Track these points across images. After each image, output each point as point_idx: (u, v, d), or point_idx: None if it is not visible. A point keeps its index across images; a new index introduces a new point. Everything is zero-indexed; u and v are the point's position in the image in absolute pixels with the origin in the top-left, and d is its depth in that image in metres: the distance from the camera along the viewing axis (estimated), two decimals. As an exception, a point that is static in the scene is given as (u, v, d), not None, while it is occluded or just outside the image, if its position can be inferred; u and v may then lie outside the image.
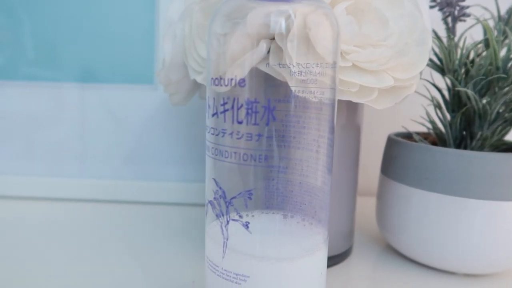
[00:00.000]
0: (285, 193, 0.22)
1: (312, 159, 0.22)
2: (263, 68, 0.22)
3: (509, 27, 0.31)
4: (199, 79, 0.29)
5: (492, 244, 0.30)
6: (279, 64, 0.23)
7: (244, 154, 0.19)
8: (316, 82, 0.22)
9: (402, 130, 0.40)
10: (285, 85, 0.21)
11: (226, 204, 0.20)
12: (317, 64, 0.22)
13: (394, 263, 0.34)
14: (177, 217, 0.43)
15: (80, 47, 0.46)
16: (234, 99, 0.19)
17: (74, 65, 0.47)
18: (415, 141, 0.35)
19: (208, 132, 0.21)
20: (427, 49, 0.28)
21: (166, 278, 0.30)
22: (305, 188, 0.22)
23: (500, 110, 0.31)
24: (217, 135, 0.20)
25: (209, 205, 0.22)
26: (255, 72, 0.20)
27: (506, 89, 0.30)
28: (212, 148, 0.21)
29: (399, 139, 0.35)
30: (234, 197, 0.20)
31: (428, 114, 0.35)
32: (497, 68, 0.29)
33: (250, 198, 0.20)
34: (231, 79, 0.20)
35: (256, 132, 0.19)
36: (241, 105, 0.19)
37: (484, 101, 0.31)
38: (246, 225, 0.20)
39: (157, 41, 0.46)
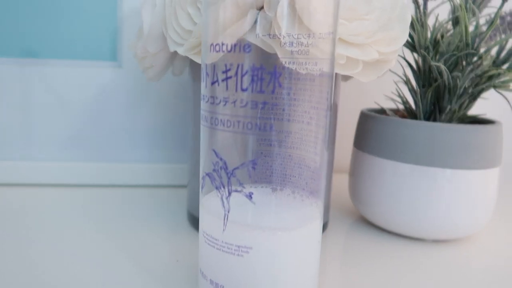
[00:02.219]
0: (274, 166, 0.22)
1: (303, 131, 0.22)
2: (252, 39, 0.22)
3: (476, 5, 0.33)
4: (181, 50, 0.28)
5: (458, 211, 0.32)
6: (269, 34, 0.22)
7: (248, 122, 0.19)
8: (308, 53, 0.22)
9: (370, 106, 0.41)
10: (276, 56, 0.21)
11: (227, 175, 0.20)
12: (309, 35, 0.22)
13: (368, 233, 0.36)
14: (147, 199, 0.42)
15: (29, 19, 0.42)
16: (238, 66, 0.19)
17: (26, 39, 0.43)
18: (388, 115, 0.36)
19: (207, 102, 0.20)
20: (407, 25, 0.29)
21: (148, 260, 0.29)
22: (295, 161, 0.22)
23: (466, 86, 0.33)
24: (217, 104, 0.19)
25: (206, 177, 0.21)
26: (257, 39, 0.19)
27: (473, 65, 0.32)
28: (211, 118, 0.20)
29: (373, 113, 0.36)
30: (236, 168, 0.19)
31: (399, 89, 0.37)
32: (467, 45, 0.31)
33: (254, 168, 0.19)
34: (235, 45, 0.19)
35: (262, 99, 0.18)
36: (246, 72, 0.18)
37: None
38: (250, 196, 0.20)
39: (120, 14, 0.43)
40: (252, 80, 0.18)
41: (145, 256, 0.29)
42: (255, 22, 0.22)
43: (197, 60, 0.27)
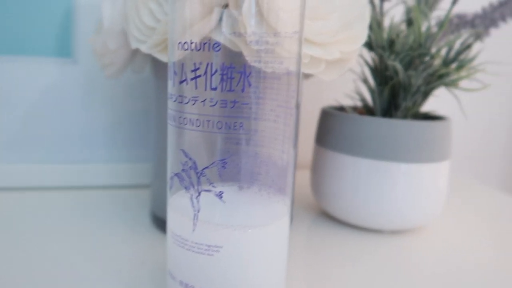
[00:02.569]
0: (241, 164, 0.22)
1: (270, 129, 0.22)
2: (218, 37, 0.22)
3: (428, 7, 0.35)
4: (144, 48, 0.27)
5: (413, 203, 0.34)
6: (234, 33, 0.22)
7: (218, 122, 0.19)
8: (274, 52, 0.22)
9: (328, 104, 0.42)
10: (241, 54, 0.21)
11: (197, 175, 0.20)
12: (274, 34, 0.22)
13: (329, 227, 0.37)
14: (106, 200, 0.40)
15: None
16: (207, 65, 0.18)
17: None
18: (347, 112, 0.37)
19: (174, 101, 0.20)
20: (366, 24, 0.30)
21: (113, 263, 0.28)
22: (261, 158, 0.23)
23: (419, 84, 0.34)
24: (186, 103, 0.19)
25: (175, 178, 0.21)
26: (226, 37, 0.19)
27: (426, 64, 0.33)
28: (180, 117, 0.20)
29: (333, 111, 0.37)
30: (206, 167, 0.19)
31: (357, 87, 0.38)
32: (420, 45, 0.33)
33: (224, 167, 0.19)
34: (204, 43, 0.19)
35: (232, 99, 0.19)
36: (216, 71, 0.18)
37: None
38: (220, 195, 0.20)
39: (75, 8, 0.41)
40: (222, 79, 0.18)
41: (109, 260, 0.28)
42: (221, 20, 0.22)
43: (162, 58, 0.27)
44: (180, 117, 0.20)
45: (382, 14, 0.35)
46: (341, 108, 0.40)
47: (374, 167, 0.34)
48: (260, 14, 0.21)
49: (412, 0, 0.36)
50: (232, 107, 0.19)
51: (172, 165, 0.21)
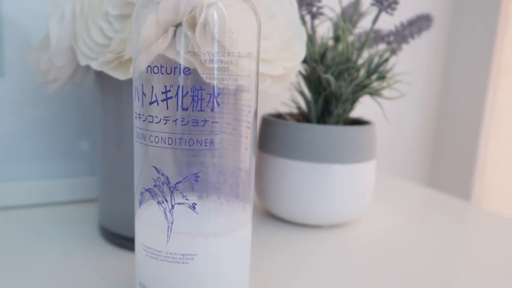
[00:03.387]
0: (200, 175, 0.24)
1: (228, 141, 0.24)
2: (173, 56, 0.23)
3: (351, 24, 0.39)
4: (95, 64, 0.27)
5: (347, 199, 0.38)
6: (190, 52, 0.24)
7: (190, 139, 0.20)
8: (228, 70, 0.24)
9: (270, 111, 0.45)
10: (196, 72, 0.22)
11: (170, 189, 0.21)
12: (228, 53, 0.24)
13: (273, 225, 0.40)
14: (49, 218, 0.39)
15: None
16: (178, 87, 0.20)
17: None
18: (286, 120, 0.40)
19: (144, 120, 0.21)
20: (304, 42, 0.33)
21: (71, 283, 0.27)
22: (219, 169, 0.24)
23: (348, 93, 0.39)
24: (157, 122, 0.20)
25: (146, 193, 0.22)
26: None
27: (353, 76, 0.38)
28: (150, 136, 0.21)
29: (273, 118, 0.40)
30: (179, 182, 0.21)
31: (293, 96, 0.41)
32: (348, 59, 0.37)
33: (196, 181, 0.21)
34: (175, 68, 0.20)
35: (202, 118, 0.20)
36: (186, 93, 0.20)
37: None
38: (193, 207, 0.21)
39: (1, 23, 0.39)
40: (193, 100, 0.20)
41: (66, 280, 0.28)
42: (178, 39, 0.24)
43: (116, 75, 0.27)
44: (151, 135, 0.21)
45: (313, 30, 0.39)
46: (279, 115, 0.43)
47: (312, 169, 0.37)
48: (212, 35, 0.23)
49: (338, 18, 0.40)
50: (203, 126, 0.20)
51: (141, 181, 0.22)
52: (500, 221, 0.44)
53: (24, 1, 0.39)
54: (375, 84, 0.39)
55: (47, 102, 0.42)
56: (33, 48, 0.40)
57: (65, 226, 0.37)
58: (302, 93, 0.40)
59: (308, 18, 0.39)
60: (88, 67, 0.32)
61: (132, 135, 0.31)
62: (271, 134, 0.39)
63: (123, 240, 0.33)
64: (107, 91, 0.32)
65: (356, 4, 0.38)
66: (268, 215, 0.42)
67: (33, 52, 0.30)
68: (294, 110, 0.44)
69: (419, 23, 0.41)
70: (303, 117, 0.42)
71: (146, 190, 0.22)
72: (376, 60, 0.39)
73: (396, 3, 0.36)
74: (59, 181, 0.42)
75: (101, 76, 0.32)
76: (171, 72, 0.20)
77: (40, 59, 0.28)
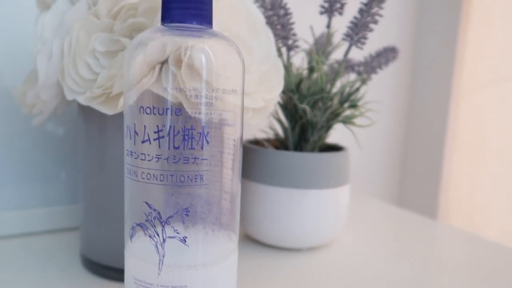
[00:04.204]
0: (185, 205, 0.25)
1: (213, 172, 0.26)
2: (160, 92, 0.24)
3: (324, 56, 0.41)
4: (81, 99, 0.28)
5: (324, 222, 0.40)
6: (176, 88, 0.25)
7: (181, 176, 0.21)
8: (212, 106, 0.25)
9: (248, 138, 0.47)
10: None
11: (162, 224, 0.22)
12: (212, 89, 0.25)
13: (253, 249, 0.41)
14: (25, 249, 0.38)
15: None
16: (170, 127, 0.21)
17: None
18: (264, 146, 0.42)
19: (136, 158, 0.22)
20: (282, 74, 0.35)
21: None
22: (204, 199, 0.26)
23: (323, 121, 0.41)
24: (149, 160, 0.21)
25: (137, 227, 0.22)
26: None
27: (327, 105, 0.40)
28: (142, 173, 0.22)
29: (253, 146, 0.41)
30: (170, 216, 0.22)
31: (270, 123, 0.43)
32: (322, 89, 0.39)
33: (187, 215, 0.22)
34: (167, 109, 0.21)
35: (193, 156, 0.21)
36: (178, 132, 0.21)
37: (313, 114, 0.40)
38: (184, 240, 0.22)
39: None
40: (184, 139, 0.21)
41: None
42: (164, 76, 0.25)
43: (102, 109, 0.28)
44: (142, 172, 0.22)
45: (289, 61, 0.41)
46: (257, 142, 0.44)
47: (290, 195, 0.39)
48: (197, 72, 0.25)
49: (311, 49, 0.43)
50: (193, 163, 0.21)
51: (132, 216, 0.23)
52: (465, 237, 0.47)
53: (5, 32, 0.40)
54: (348, 112, 0.42)
55: (25, 131, 0.41)
56: (9, 77, 0.40)
57: (46, 256, 0.37)
58: (279, 121, 0.42)
59: (283, 49, 0.42)
60: (71, 100, 0.33)
61: (115, 165, 0.31)
62: (251, 160, 0.40)
63: (106, 270, 0.33)
64: (91, 122, 0.33)
65: (328, 39, 0.41)
66: (248, 238, 0.43)
67: (19, 86, 0.31)
68: (271, 135, 0.46)
69: (386, 55, 0.44)
70: (280, 143, 0.44)
71: (138, 224, 0.22)
72: (347, 89, 0.42)
73: (365, 38, 0.39)
74: (36, 210, 0.42)
75: (85, 108, 0.33)
76: (163, 113, 0.21)
77: (26, 93, 0.28)
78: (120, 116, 0.29)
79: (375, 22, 0.38)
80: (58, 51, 0.27)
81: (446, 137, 0.70)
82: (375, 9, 0.38)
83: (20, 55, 0.40)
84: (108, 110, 0.28)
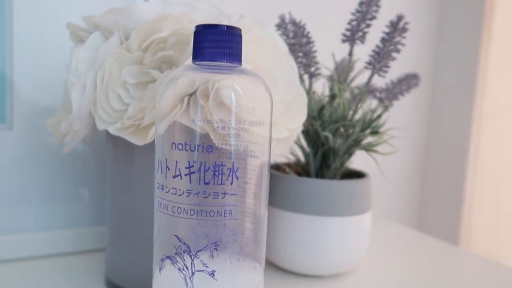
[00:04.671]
0: (210, 235, 0.25)
1: (240, 203, 0.26)
2: (188, 123, 0.25)
3: (347, 84, 0.42)
4: (112, 129, 0.29)
5: (346, 249, 0.40)
6: (204, 120, 0.26)
7: (211, 210, 0.22)
8: (239, 137, 0.26)
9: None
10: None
11: (191, 257, 0.22)
12: (239, 121, 0.26)
13: (276, 275, 0.41)
14: (51, 270, 0.39)
15: None
16: (201, 163, 0.22)
17: None
18: (286, 171, 0.42)
19: (167, 192, 0.22)
20: (305, 103, 0.35)
21: None
22: (233, 232, 0.26)
23: (345, 148, 0.41)
24: (180, 194, 0.22)
25: (167, 260, 0.23)
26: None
27: (349, 132, 0.40)
28: (173, 206, 0.22)
29: (275, 172, 0.41)
30: (200, 250, 0.22)
31: (291, 148, 0.43)
32: (344, 117, 0.40)
33: (216, 249, 0.22)
34: (198, 145, 0.22)
35: (223, 191, 0.22)
36: (208, 168, 0.22)
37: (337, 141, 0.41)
38: (212, 274, 0.22)
39: (9, 73, 0.40)
40: (214, 175, 0.22)
41: None
42: (192, 107, 0.26)
43: (132, 140, 0.29)
44: (173, 206, 0.22)
45: (310, 89, 0.42)
46: (278, 167, 0.45)
47: (312, 222, 0.39)
48: (224, 105, 0.25)
49: (333, 76, 0.43)
50: (223, 198, 0.22)
51: (162, 248, 0.23)
52: (488, 265, 0.46)
53: (35, 59, 0.41)
54: (369, 139, 0.42)
55: (52, 154, 0.43)
56: (40, 104, 0.42)
57: (70, 278, 0.37)
58: (301, 147, 0.42)
59: (305, 76, 0.42)
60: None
61: (142, 190, 0.32)
62: (272, 186, 0.41)
63: (131, 295, 0.33)
64: (119, 149, 0.33)
65: (349, 67, 0.41)
66: (270, 264, 0.43)
67: (53, 117, 0.32)
68: (292, 160, 0.47)
69: (408, 81, 0.44)
70: (301, 168, 0.44)
71: (167, 257, 0.23)
72: (369, 115, 0.42)
73: (387, 66, 0.39)
74: (62, 231, 0.43)
75: (114, 135, 0.34)
76: (194, 149, 0.22)
77: (59, 123, 0.30)
78: (147, 144, 0.30)
79: (397, 51, 0.38)
80: (91, 83, 0.28)
81: (468, 161, 0.69)
82: (397, 38, 0.38)
83: (51, 84, 0.42)
84: (137, 141, 0.29)
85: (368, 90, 0.45)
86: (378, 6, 0.39)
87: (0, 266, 0.39)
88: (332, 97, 0.42)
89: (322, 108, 0.41)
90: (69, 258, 0.42)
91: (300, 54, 0.41)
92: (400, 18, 0.37)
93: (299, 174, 0.44)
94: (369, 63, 0.39)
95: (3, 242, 0.40)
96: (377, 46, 0.39)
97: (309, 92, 0.42)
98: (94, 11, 0.34)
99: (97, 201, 0.45)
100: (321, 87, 0.46)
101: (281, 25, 0.42)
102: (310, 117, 0.41)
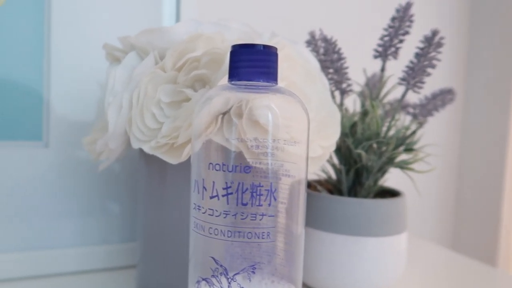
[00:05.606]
0: (244, 255, 0.25)
1: (278, 228, 0.25)
2: (222, 142, 0.25)
3: (379, 101, 0.41)
4: (146, 148, 0.29)
5: (381, 270, 0.38)
6: (237, 138, 0.25)
7: (248, 232, 0.21)
8: (274, 156, 0.25)
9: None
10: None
11: (228, 280, 0.22)
12: (273, 140, 0.25)
13: (308, 297, 0.40)
14: (84, 286, 0.39)
15: None
16: (239, 184, 0.21)
17: None
18: (317, 189, 0.41)
19: (204, 213, 0.22)
20: (338, 120, 0.35)
21: None
22: (271, 255, 0.25)
23: (379, 166, 0.40)
24: (217, 216, 0.22)
25: (203, 282, 0.22)
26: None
27: (382, 149, 0.39)
28: (210, 228, 0.22)
29: (309, 191, 0.41)
30: (237, 273, 0.22)
31: (324, 167, 0.43)
32: (377, 134, 0.39)
33: (253, 272, 0.22)
34: (236, 166, 0.22)
35: (260, 212, 0.21)
36: (246, 189, 0.21)
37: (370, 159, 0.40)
38: (249, 297, 0.22)
39: (46, 92, 0.42)
40: (252, 196, 0.21)
41: None
42: (226, 126, 0.26)
43: (167, 159, 0.29)
44: (210, 227, 0.22)
45: (342, 105, 0.41)
46: (308, 184, 0.44)
47: (346, 242, 0.38)
48: (257, 123, 0.25)
49: (364, 92, 0.43)
50: (261, 220, 0.22)
51: (198, 270, 0.23)
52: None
53: (71, 79, 0.42)
54: (403, 156, 0.40)
55: (86, 171, 0.44)
56: (75, 122, 0.43)
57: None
58: (332, 164, 0.42)
59: (336, 92, 0.42)
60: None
61: (174, 208, 0.32)
62: (307, 205, 0.40)
63: (163, 315, 0.33)
64: (152, 165, 0.34)
65: (382, 83, 0.41)
66: (303, 285, 0.42)
67: (89, 136, 0.33)
68: (322, 177, 0.46)
69: (443, 97, 0.43)
70: (332, 186, 0.44)
71: (204, 279, 0.22)
72: (403, 132, 0.41)
73: (422, 82, 0.38)
74: (94, 247, 0.43)
75: (147, 153, 0.34)
76: (232, 170, 0.22)
77: (95, 142, 0.30)
78: (180, 162, 0.30)
79: (433, 66, 0.37)
80: (127, 102, 0.28)
81: (505, 176, 0.66)
82: (432, 54, 0.37)
83: (85, 103, 0.43)
84: (171, 159, 0.29)
85: (401, 106, 0.44)
86: (411, 21, 0.38)
87: (34, 281, 0.40)
88: (364, 113, 0.41)
89: (353, 125, 0.40)
90: (100, 274, 0.42)
91: (331, 70, 0.41)
92: (435, 32, 0.37)
93: (330, 192, 0.43)
94: (403, 79, 0.39)
95: (38, 257, 0.41)
96: (411, 62, 0.38)
97: (340, 108, 0.41)
98: (127, 32, 0.35)
99: (129, 217, 0.46)
100: (351, 103, 0.45)
101: (311, 42, 0.42)
102: (342, 134, 0.40)
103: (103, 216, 0.44)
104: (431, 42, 0.37)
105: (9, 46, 0.40)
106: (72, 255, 0.42)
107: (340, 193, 0.42)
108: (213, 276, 0.22)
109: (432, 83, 0.48)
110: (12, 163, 0.40)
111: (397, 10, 0.38)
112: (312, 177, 0.48)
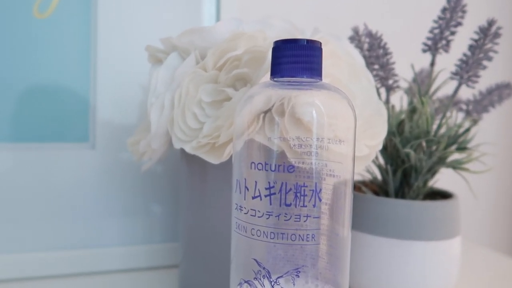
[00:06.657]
0: (287, 257, 0.24)
1: (322, 225, 0.24)
2: (264, 141, 0.24)
3: (428, 97, 0.39)
4: (188, 148, 0.29)
5: (432, 277, 0.36)
6: (280, 137, 0.25)
7: (292, 234, 0.21)
8: (317, 155, 0.24)
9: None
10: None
11: (271, 283, 0.21)
12: (317, 138, 0.24)
13: (353, 303, 0.38)
14: (131, 284, 0.40)
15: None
16: (282, 184, 0.21)
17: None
18: (362, 190, 0.40)
19: (246, 213, 0.22)
20: (385, 118, 0.33)
21: None
22: (316, 258, 0.24)
23: (429, 166, 0.38)
24: (260, 217, 0.21)
25: (245, 284, 0.22)
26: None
27: (433, 148, 0.37)
28: (252, 229, 0.21)
29: (354, 192, 0.39)
30: (280, 276, 0.21)
31: (369, 167, 0.41)
32: (428, 132, 0.36)
33: (298, 276, 0.21)
34: (279, 165, 0.21)
35: (305, 213, 0.20)
36: (290, 189, 0.20)
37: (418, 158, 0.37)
38: (293, 302, 0.21)
39: (92, 94, 0.43)
40: (296, 196, 0.20)
41: None
42: (268, 125, 0.25)
43: (208, 159, 0.28)
44: (252, 228, 0.21)
45: (388, 102, 0.39)
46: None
47: (393, 246, 0.36)
48: (300, 121, 0.24)
49: (411, 86, 0.40)
50: (305, 221, 0.21)
51: (240, 272, 0.22)
52: None
53: (115, 82, 0.43)
54: (456, 155, 0.38)
55: (130, 172, 0.44)
56: (119, 124, 0.44)
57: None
58: (378, 166, 0.40)
59: (382, 89, 0.40)
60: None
61: (216, 208, 0.32)
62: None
63: (205, 316, 0.33)
64: (193, 165, 0.34)
65: (433, 78, 0.38)
66: (345, 289, 0.41)
67: (132, 137, 0.33)
68: (367, 177, 0.44)
69: (500, 92, 0.40)
70: (378, 187, 0.42)
71: (246, 282, 0.22)
72: (455, 130, 0.39)
73: (477, 76, 0.36)
74: (137, 247, 0.44)
75: (187, 152, 0.34)
76: (275, 169, 0.21)
77: (138, 143, 0.30)
78: (221, 162, 0.29)
79: (489, 58, 0.35)
80: (169, 103, 0.29)
81: None
82: (488, 45, 0.35)
83: (128, 105, 0.44)
84: (213, 159, 0.28)
85: (447, 98, 0.41)
86: (464, 12, 0.36)
87: (80, 279, 0.41)
88: (412, 110, 0.39)
89: (401, 123, 0.38)
90: (144, 273, 0.43)
91: (376, 66, 0.39)
92: (491, 23, 0.34)
93: (376, 193, 0.41)
94: (456, 73, 0.36)
95: (84, 256, 0.42)
96: (465, 55, 0.35)
97: (386, 106, 0.39)
98: (168, 34, 0.35)
99: (171, 218, 0.46)
100: (398, 100, 0.43)
101: (354, 38, 0.41)
102: (389, 133, 0.38)
103: (146, 216, 0.45)
104: (487, 33, 0.34)
105: (58, 54, 0.42)
106: (116, 254, 0.43)
107: (386, 194, 0.40)
108: (255, 278, 0.21)
109: (487, 78, 0.45)
110: (61, 163, 0.42)
111: (448, 1, 0.36)
112: (356, 177, 0.46)
